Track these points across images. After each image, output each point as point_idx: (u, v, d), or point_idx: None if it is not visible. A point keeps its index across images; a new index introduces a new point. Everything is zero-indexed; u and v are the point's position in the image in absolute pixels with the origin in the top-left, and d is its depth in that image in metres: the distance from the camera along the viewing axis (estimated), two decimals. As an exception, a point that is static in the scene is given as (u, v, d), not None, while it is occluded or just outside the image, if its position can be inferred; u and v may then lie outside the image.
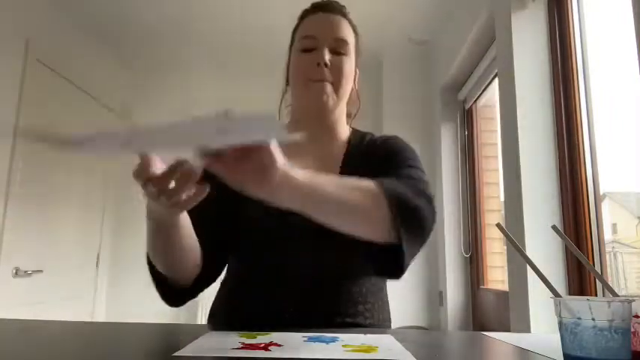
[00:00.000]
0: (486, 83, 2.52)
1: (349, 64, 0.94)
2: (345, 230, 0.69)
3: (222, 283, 0.99)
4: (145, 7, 2.79)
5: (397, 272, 0.76)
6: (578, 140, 1.63)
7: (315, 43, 0.93)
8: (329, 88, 0.92)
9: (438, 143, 2.96)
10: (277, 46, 3.62)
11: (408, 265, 0.74)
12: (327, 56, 0.91)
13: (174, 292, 0.88)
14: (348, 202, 0.68)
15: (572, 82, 1.67)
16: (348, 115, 1.03)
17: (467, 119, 2.88)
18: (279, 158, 0.59)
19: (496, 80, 2.18)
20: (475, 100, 2.73)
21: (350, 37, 0.96)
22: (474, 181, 2.75)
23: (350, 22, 0.98)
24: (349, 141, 0.98)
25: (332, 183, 0.68)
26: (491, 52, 2.32)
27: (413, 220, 0.72)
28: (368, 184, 0.71)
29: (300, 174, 0.63)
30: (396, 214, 0.70)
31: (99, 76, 3.23)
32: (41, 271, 2.56)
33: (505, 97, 1.87)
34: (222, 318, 0.95)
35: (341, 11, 0.97)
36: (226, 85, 3.55)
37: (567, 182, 1.65)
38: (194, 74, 3.58)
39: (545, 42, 1.78)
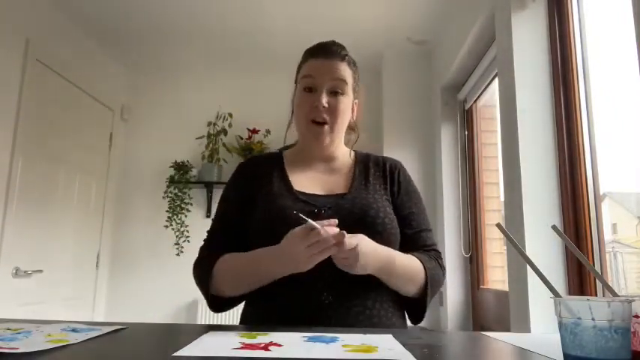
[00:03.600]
0: (486, 83, 2.52)
1: (345, 102, 1.06)
2: (395, 288, 0.99)
3: (252, 296, 1.03)
4: (145, 8, 2.79)
5: (418, 319, 1.04)
6: (578, 140, 1.63)
7: (314, 83, 1.05)
8: (326, 128, 1.05)
9: (438, 143, 2.96)
10: (276, 48, 3.65)
11: (424, 313, 1.02)
12: (325, 99, 1.03)
13: (222, 304, 1.03)
14: (405, 278, 0.98)
15: (572, 82, 1.67)
16: (348, 141, 1.18)
17: (467, 119, 2.88)
18: (359, 259, 0.87)
19: (496, 80, 2.18)
20: (475, 100, 2.73)
21: (348, 77, 1.06)
22: (474, 181, 2.74)
23: (348, 62, 1.08)
24: (355, 160, 1.14)
25: (398, 265, 0.96)
26: (491, 52, 2.32)
27: (436, 290, 1.03)
28: (419, 265, 0.99)
29: (376, 263, 0.92)
30: (428, 289, 0.99)
31: (99, 76, 3.23)
32: (41, 271, 2.56)
33: (505, 97, 1.87)
34: (258, 317, 0.99)
35: (340, 54, 1.07)
36: (226, 85, 3.56)
37: (567, 182, 1.65)
38: (194, 74, 3.58)
39: (545, 42, 1.78)
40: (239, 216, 1.04)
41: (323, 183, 1.07)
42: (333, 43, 1.09)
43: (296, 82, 1.11)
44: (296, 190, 1.04)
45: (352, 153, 1.16)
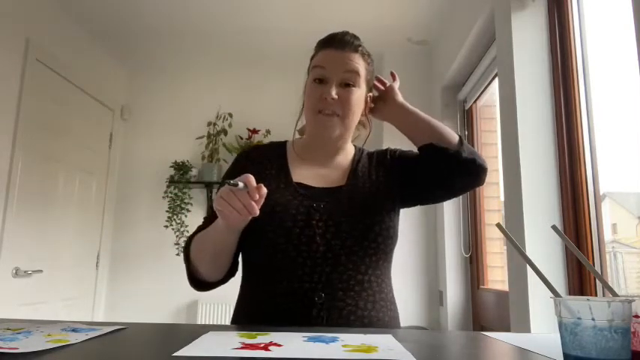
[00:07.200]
0: (486, 83, 2.52)
1: (358, 95, 1.02)
2: (435, 136, 1.03)
3: (242, 287, 1.03)
4: (145, 8, 2.79)
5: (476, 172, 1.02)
6: (578, 140, 1.63)
7: (325, 74, 1.01)
8: (336, 120, 1.01)
9: (438, 143, 2.95)
10: (276, 47, 3.65)
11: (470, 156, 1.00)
12: (335, 91, 0.99)
13: (204, 284, 1.01)
14: (440, 126, 1.08)
15: (572, 82, 1.67)
16: (357, 137, 1.15)
17: (467, 119, 2.88)
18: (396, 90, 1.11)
19: (496, 80, 2.18)
20: (475, 100, 2.73)
21: (361, 69, 1.03)
22: (474, 181, 2.74)
23: (362, 53, 1.04)
24: (355, 155, 1.11)
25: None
26: (491, 52, 2.32)
27: (473, 151, 1.02)
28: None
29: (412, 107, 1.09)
30: (464, 143, 1.02)
31: (99, 76, 3.23)
32: (41, 271, 2.56)
33: (505, 97, 1.87)
34: (251, 315, 0.98)
35: (352, 45, 1.03)
36: (226, 85, 3.55)
37: (567, 182, 1.65)
38: (194, 74, 3.58)
39: (545, 42, 1.78)
40: None
41: (322, 176, 1.05)
42: (345, 33, 1.04)
43: (308, 73, 1.08)
44: (295, 183, 1.02)
45: (353, 148, 1.14)
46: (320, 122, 1.01)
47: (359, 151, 1.13)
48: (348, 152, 1.11)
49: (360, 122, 1.10)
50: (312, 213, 0.95)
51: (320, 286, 0.91)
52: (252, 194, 0.80)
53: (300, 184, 1.01)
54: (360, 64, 1.02)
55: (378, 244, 0.96)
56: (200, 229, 1.02)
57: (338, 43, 1.02)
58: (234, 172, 1.07)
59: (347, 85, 1.01)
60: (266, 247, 0.96)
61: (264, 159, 1.07)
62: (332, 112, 1.00)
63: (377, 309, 0.94)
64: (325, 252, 0.92)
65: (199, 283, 1.00)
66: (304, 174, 1.04)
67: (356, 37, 1.05)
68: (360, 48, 1.04)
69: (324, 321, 0.89)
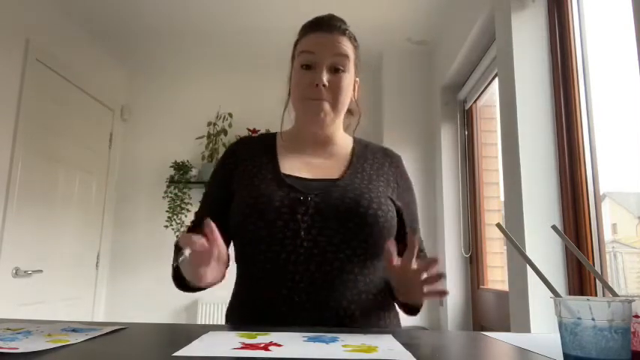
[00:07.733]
0: (486, 83, 2.52)
1: (347, 79, 0.98)
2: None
3: (235, 283, 1.01)
4: (145, 8, 2.79)
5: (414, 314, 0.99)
6: (578, 140, 1.63)
7: (314, 59, 0.96)
8: (326, 106, 0.96)
9: (438, 143, 2.96)
10: (276, 47, 3.65)
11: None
12: (325, 76, 0.95)
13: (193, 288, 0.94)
14: None
15: (572, 82, 1.67)
16: (348, 126, 1.10)
17: (467, 119, 2.88)
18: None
19: (496, 80, 2.18)
20: (475, 100, 2.73)
21: (350, 52, 0.99)
22: (474, 181, 2.75)
23: (349, 36, 1.00)
24: (354, 146, 1.06)
25: None
26: (491, 52, 2.32)
27: None
28: None
29: None
30: None
31: (99, 76, 3.23)
32: (41, 271, 2.56)
33: (505, 97, 1.87)
34: (240, 313, 0.96)
35: (340, 28, 0.99)
36: (226, 85, 3.56)
37: (567, 182, 1.65)
38: (194, 74, 3.58)
39: (545, 42, 1.78)
40: (220, 200, 0.98)
41: (315, 167, 0.99)
42: (332, 17, 1.00)
43: (293, 60, 1.02)
44: (283, 174, 0.95)
45: (351, 139, 1.07)
46: (310, 107, 0.96)
47: (359, 143, 1.07)
48: (343, 142, 1.06)
49: (347, 110, 1.05)
50: (297, 206, 0.89)
51: (302, 285, 0.87)
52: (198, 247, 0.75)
53: (288, 176, 0.96)
54: (349, 48, 0.98)
55: (368, 245, 0.91)
56: (189, 229, 0.98)
57: (326, 26, 0.98)
58: (222, 168, 1.05)
59: (336, 70, 0.96)
60: (250, 240, 0.91)
61: (251, 152, 1.03)
62: (321, 98, 0.95)
63: (363, 312, 0.91)
64: (311, 248, 0.87)
65: (186, 285, 0.94)
66: (295, 165, 0.99)
67: (343, 21, 1.01)
68: (347, 31, 1.00)
69: (303, 321, 0.85)
